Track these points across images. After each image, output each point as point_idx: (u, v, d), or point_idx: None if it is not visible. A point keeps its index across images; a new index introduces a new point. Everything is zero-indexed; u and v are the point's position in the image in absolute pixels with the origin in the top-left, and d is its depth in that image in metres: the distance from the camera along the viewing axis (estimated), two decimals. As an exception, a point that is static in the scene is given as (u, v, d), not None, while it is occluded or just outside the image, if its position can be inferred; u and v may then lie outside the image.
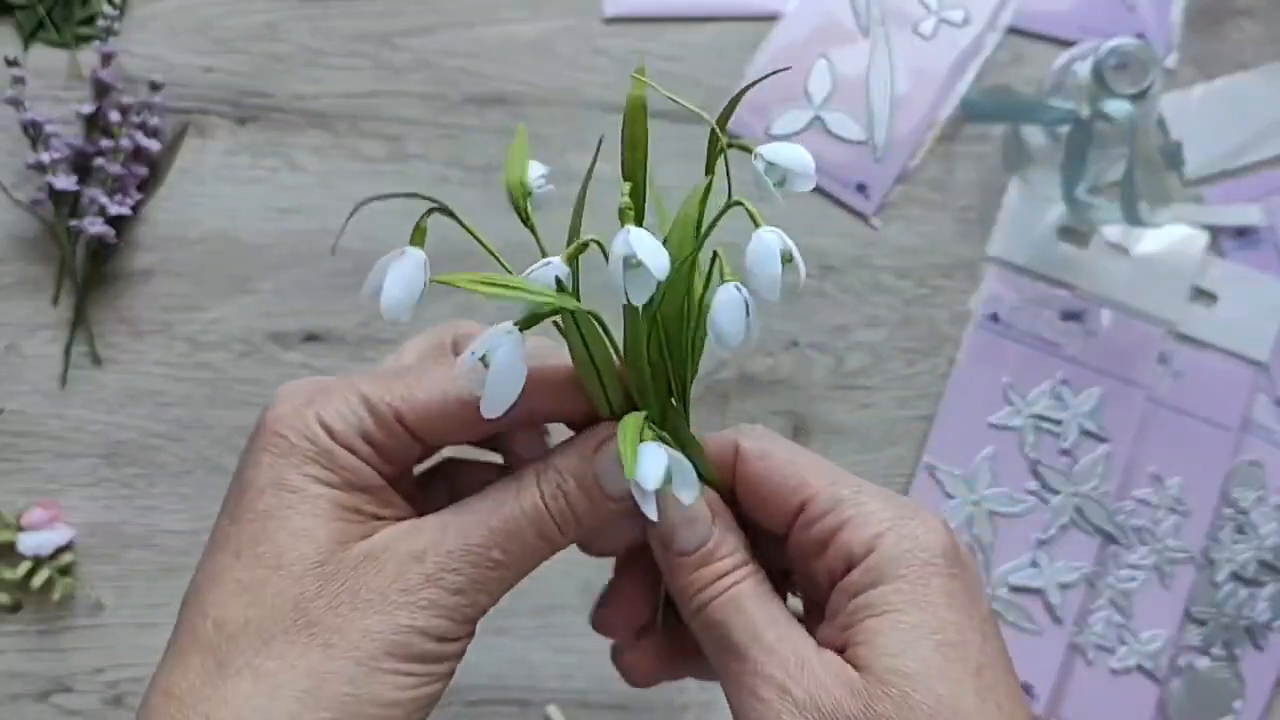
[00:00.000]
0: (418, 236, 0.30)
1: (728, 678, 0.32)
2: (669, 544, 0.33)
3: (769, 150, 0.29)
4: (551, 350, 0.33)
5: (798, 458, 0.33)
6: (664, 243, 0.28)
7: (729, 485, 0.34)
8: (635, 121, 0.30)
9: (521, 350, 0.29)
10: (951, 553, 0.31)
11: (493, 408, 0.29)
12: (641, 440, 0.30)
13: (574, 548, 0.34)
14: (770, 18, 0.61)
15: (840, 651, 0.31)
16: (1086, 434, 0.56)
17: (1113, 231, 0.58)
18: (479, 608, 0.31)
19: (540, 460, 0.33)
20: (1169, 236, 0.58)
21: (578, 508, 0.32)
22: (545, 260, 0.29)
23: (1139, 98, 0.53)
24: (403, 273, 0.29)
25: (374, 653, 0.30)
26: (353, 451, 0.31)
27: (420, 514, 0.32)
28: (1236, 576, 0.55)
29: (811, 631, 0.32)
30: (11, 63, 0.57)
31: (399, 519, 0.32)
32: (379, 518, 0.32)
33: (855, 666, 0.30)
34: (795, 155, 0.29)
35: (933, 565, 0.31)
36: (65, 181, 0.56)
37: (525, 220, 0.32)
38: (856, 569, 0.31)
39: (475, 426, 0.32)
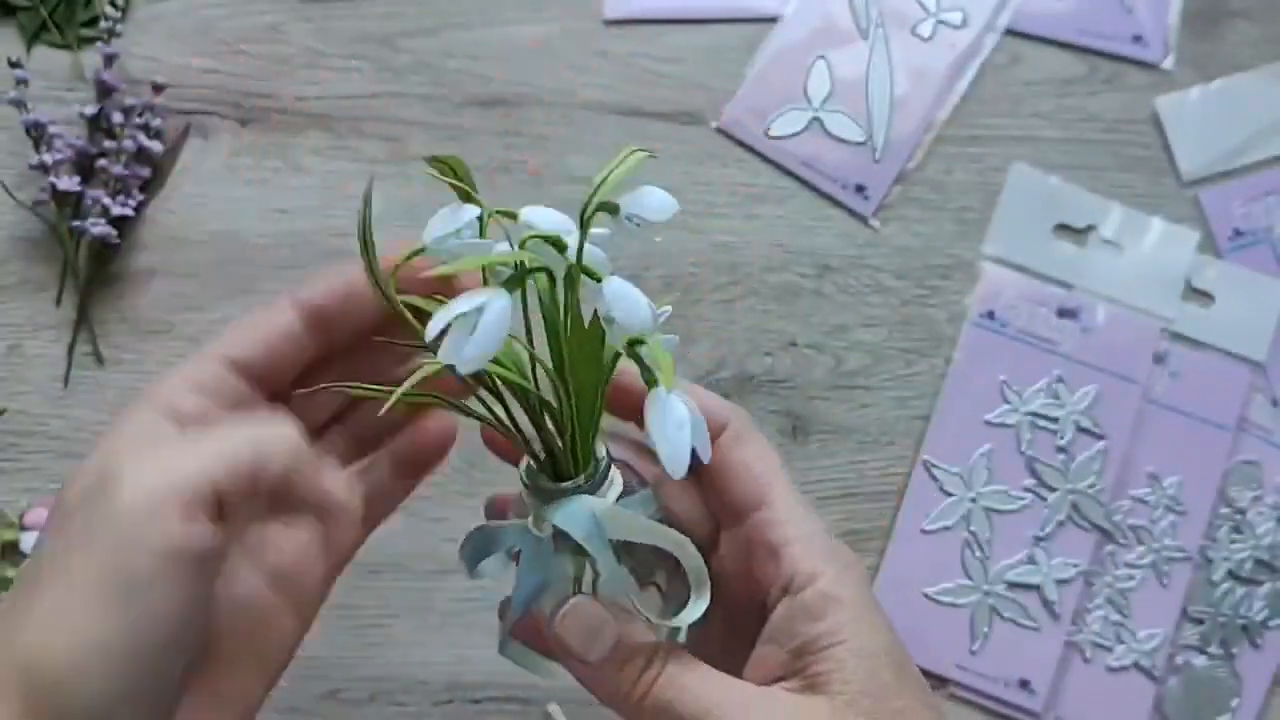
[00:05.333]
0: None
1: None
2: (579, 656, 0.33)
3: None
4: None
5: (770, 457, 0.35)
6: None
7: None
8: None
9: (509, 312, 0.29)
10: (868, 586, 0.34)
11: (473, 364, 0.29)
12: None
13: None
14: (769, 19, 0.62)
15: (794, 674, 0.32)
16: (1083, 431, 0.56)
17: (1108, 228, 0.58)
18: None
19: None
20: (1161, 233, 0.59)
21: None
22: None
23: None
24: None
25: None
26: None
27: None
28: (1233, 575, 0.56)
29: (728, 646, 0.34)
30: (14, 64, 0.57)
31: None
32: None
33: (821, 690, 0.31)
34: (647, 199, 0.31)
35: (869, 599, 0.33)
36: (68, 182, 0.56)
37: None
38: (807, 592, 0.33)
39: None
